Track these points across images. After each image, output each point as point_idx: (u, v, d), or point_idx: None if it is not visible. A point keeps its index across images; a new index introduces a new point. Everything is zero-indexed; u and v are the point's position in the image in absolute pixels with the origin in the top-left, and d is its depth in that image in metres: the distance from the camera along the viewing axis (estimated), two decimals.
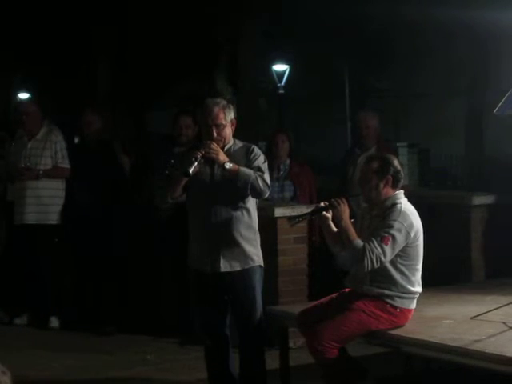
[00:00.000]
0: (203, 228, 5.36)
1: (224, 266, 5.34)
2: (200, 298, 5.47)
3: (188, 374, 6.34)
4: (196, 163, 5.20)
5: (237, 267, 5.36)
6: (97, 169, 7.76)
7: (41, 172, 7.76)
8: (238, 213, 5.35)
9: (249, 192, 5.28)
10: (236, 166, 5.25)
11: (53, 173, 7.82)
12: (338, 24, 18.01)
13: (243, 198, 5.35)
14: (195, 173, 5.25)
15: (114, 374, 6.45)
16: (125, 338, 7.42)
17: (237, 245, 5.35)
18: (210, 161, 5.31)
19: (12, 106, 11.83)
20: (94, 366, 6.63)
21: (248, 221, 5.40)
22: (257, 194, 5.31)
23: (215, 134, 5.29)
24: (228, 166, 5.23)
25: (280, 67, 23.66)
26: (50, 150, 7.82)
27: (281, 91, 23.92)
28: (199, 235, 5.41)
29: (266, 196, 5.42)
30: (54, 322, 7.79)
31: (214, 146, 5.26)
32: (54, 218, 7.79)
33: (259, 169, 5.32)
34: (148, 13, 15.77)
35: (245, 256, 5.38)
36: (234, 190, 5.28)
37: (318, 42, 19.46)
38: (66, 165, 7.85)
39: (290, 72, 23.60)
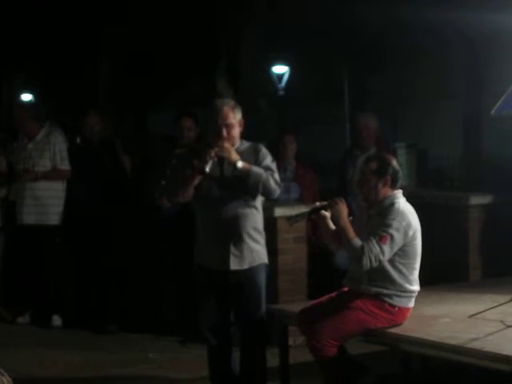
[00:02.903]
0: (213, 226, 5.39)
1: (233, 264, 5.38)
2: (207, 296, 5.49)
3: (189, 372, 6.37)
4: (211, 161, 5.23)
5: (245, 265, 5.42)
6: (98, 169, 7.79)
7: (39, 174, 7.78)
8: (248, 211, 5.41)
9: (260, 191, 5.33)
10: (247, 165, 5.30)
11: (51, 175, 7.82)
12: (338, 25, 18.02)
13: (253, 197, 5.41)
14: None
15: (115, 372, 6.49)
16: (126, 337, 7.46)
17: (246, 243, 5.40)
18: (221, 160, 5.34)
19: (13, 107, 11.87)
20: (96, 365, 6.67)
21: (256, 219, 5.47)
22: (268, 192, 5.38)
23: (225, 134, 5.32)
24: (240, 164, 5.27)
25: (280, 69, 23.67)
26: (49, 151, 7.83)
27: (281, 92, 23.94)
28: (209, 234, 5.43)
29: (277, 195, 5.48)
30: (57, 320, 7.83)
31: (227, 144, 5.30)
32: (54, 219, 7.80)
33: (269, 168, 5.39)
34: (149, 14, 15.80)
35: (252, 254, 5.44)
36: (244, 188, 5.33)
37: (318, 43, 19.46)
38: (65, 166, 7.85)
39: (289, 73, 23.62)
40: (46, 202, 7.80)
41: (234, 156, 5.30)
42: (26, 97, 19.12)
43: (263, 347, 5.62)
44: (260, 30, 15.10)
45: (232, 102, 5.50)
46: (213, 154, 5.24)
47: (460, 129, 17.40)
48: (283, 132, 8.22)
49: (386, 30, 18.15)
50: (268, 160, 5.45)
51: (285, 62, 23.35)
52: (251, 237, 5.44)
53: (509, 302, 5.37)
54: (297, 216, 5.54)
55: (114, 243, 7.80)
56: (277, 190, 5.41)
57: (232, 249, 5.38)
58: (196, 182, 5.33)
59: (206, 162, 5.24)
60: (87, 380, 6.44)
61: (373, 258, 5.01)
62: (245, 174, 5.29)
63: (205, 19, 15.51)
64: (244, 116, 5.52)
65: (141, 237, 7.86)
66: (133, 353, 6.99)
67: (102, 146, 7.90)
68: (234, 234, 5.38)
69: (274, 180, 5.35)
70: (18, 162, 7.89)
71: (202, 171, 5.25)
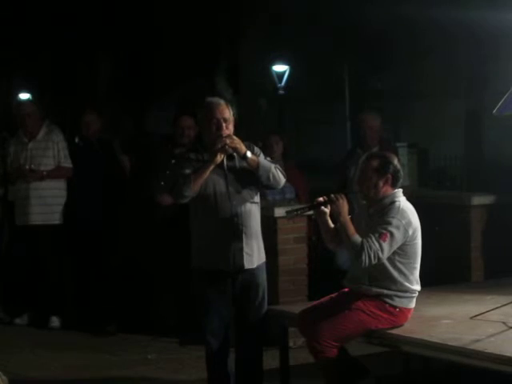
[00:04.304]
0: (222, 224, 5.29)
1: (247, 262, 5.33)
2: (210, 300, 5.39)
3: (188, 374, 6.37)
4: (230, 149, 5.21)
5: (255, 263, 5.39)
6: (97, 169, 7.78)
7: (45, 173, 7.77)
8: (253, 207, 5.38)
9: (272, 181, 5.31)
10: (255, 156, 5.28)
11: (56, 173, 7.82)
12: (338, 24, 18.03)
13: (256, 193, 5.39)
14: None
15: (114, 374, 6.48)
16: (125, 338, 7.44)
17: (255, 240, 5.38)
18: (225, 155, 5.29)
19: (13, 106, 11.86)
20: (95, 366, 6.65)
21: (258, 216, 5.44)
22: (277, 183, 5.35)
23: (224, 127, 5.30)
24: (250, 155, 5.25)
25: (280, 68, 23.66)
26: (52, 150, 7.83)
27: (281, 92, 23.92)
28: (217, 232, 5.32)
29: (281, 186, 5.46)
30: (55, 321, 7.80)
31: (234, 136, 5.26)
32: (57, 218, 7.80)
33: (270, 161, 5.40)
34: (149, 13, 15.81)
35: (259, 252, 5.43)
36: (248, 184, 5.31)
37: (318, 42, 19.47)
38: (68, 164, 7.86)
39: (290, 72, 23.60)
40: (51, 202, 7.79)
41: (243, 147, 5.26)
42: (24, 96, 19.11)
43: (262, 348, 5.58)
44: (260, 30, 15.12)
45: (224, 100, 5.48)
46: (228, 141, 5.20)
47: (462, 128, 17.41)
48: (268, 133, 8.18)
49: (388, 29, 18.14)
50: (263, 154, 5.44)
51: (285, 61, 23.34)
52: (257, 234, 5.42)
53: (511, 303, 5.34)
54: (296, 210, 5.49)
55: (112, 244, 7.77)
56: (283, 180, 5.39)
57: (245, 247, 5.33)
58: (206, 175, 5.24)
59: (225, 151, 5.21)
60: (86, 381, 6.41)
61: (372, 255, 4.98)
62: (254, 166, 5.25)
63: (205, 19, 15.53)
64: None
65: (139, 237, 7.83)
66: (132, 354, 6.97)
67: (100, 146, 7.88)
68: (244, 231, 5.32)
69: (280, 170, 5.36)
70: (17, 161, 7.85)
71: (232, 156, 5.23)
